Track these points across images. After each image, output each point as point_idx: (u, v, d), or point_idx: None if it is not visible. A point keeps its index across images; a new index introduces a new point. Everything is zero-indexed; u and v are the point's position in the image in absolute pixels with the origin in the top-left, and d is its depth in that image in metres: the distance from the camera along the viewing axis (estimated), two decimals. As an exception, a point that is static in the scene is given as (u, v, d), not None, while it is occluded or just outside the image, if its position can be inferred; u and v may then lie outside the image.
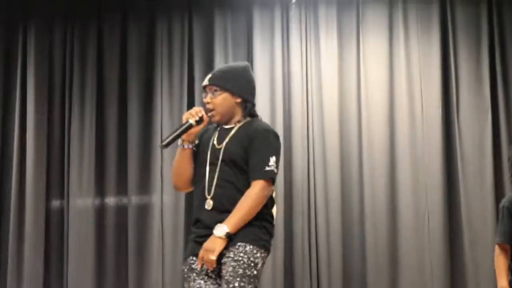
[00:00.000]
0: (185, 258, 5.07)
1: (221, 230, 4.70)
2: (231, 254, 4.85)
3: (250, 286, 4.87)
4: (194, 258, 4.96)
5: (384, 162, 8.22)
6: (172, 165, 5.16)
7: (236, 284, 4.80)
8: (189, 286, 5.01)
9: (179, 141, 4.99)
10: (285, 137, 8.27)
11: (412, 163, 8.16)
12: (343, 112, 8.34)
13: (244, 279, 4.84)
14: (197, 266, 4.95)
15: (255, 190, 4.83)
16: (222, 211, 4.89)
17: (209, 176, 4.97)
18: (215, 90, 5.04)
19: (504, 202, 5.77)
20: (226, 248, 4.84)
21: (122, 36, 8.76)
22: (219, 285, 4.95)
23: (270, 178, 4.86)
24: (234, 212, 4.79)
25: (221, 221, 4.84)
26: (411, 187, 8.14)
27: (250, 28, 8.55)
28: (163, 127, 8.43)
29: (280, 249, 8.15)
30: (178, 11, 8.72)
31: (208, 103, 5.05)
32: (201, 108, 4.99)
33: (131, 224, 8.41)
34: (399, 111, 8.27)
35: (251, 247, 4.88)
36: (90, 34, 8.76)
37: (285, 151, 8.18)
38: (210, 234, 4.86)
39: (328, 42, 8.42)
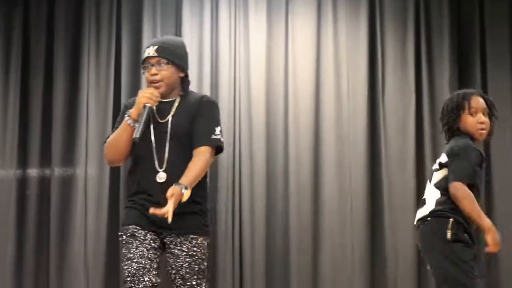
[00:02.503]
0: (126, 225, 4.98)
1: (186, 190, 4.63)
2: (185, 248, 4.89)
3: (204, 279, 4.97)
4: (138, 227, 4.92)
5: (309, 140, 8.07)
6: (108, 139, 5.04)
7: (194, 282, 4.90)
8: (129, 252, 4.90)
9: (126, 117, 4.89)
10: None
11: (337, 142, 8.05)
12: (270, 89, 8.21)
13: (200, 275, 4.93)
14: (140, 235, 4.91)
15: (205, 155, 4.84)
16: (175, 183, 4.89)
17: (157, 150, 4.92)
18: (163, 62, 5.00)
19: (467, 144, 5.50)
20: (177, 235, 4.86)
21: (49, 6, 8.50)
22: (160, 254, 4.94)
23: (216, 146, 4.92)
24: (187, 172, 4.75)
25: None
26: (335, 166, 8.04)
27: (179, 2, 8.34)
28: (89, 98, 8.25)
29: None
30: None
31: (155, 74, 4.97)
32: (154, 90, 4.93)
33: (54, 195, 8.19)
34: (325, 91, 8.14)
35: (201, 239, 4.94)
36: (18, 3, 8.54)
37: None
38: (153, 206, 4.78)
39: (257, 19, 8.24)
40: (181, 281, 4.95)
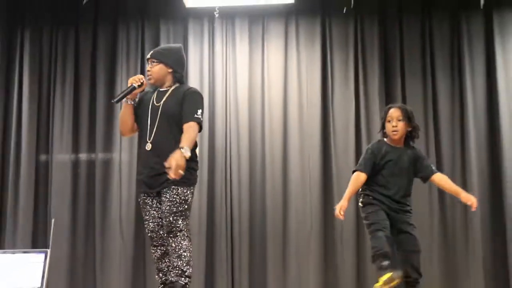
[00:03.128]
0: (139, 194, 5.61)
1: (186, 150, 5.09)
2: (167, 196, 5.35)
3: (181, 218, 5.35)
4: (144, 196, 5.49)
5: (279, 134, 8.63)
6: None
7: (171, 218, 5.34)
8: (145, 215, 5.53)
9: (124, 99, 5.48)
10: (209, 109, 8.64)
11: (300, 135, 8.60)
12: (251, 96, 8.76)
13: (176, 214, 5.33)
14: (149, 201, 5.48)
15: (192, 127, 5.33)
16: (158, 153, 5.34)
17: (150, 126, 5.41)
18: (153, 61, 5.58)
19: (370, 145, 6.31)
20: (165, 187, 5.34)
21: (93, 31, 9.03)
22: (162, 211, 5.42)
23: (198, 123, 5.36)
24: (186, 139, 5.20)
25: (156, 162, 5.33)
26: (299, 152, 8.57)
27: (186, 34, 8.87)
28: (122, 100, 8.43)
29: (204, 195, 8.50)
30: (135, 22, 9.00)
31: (148, 70, 5.59)
32: (142, 76, 5.52)
33: (98, 174, 8.74)
34: (291, 99, 8.69)
35: (182, 188, 5.37)
36: (70, 29, 9.03)
37: (209, 122, 8.62)
38: (146, 171, 5.41)
39: (242, 46, 8.84)
40: (164, 220, 5.41)
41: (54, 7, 9.11)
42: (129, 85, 5.48)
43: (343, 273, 8.26)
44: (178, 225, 5.34)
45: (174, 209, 5.33)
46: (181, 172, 5.03)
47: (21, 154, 8.85)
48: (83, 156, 8.94)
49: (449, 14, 8.72)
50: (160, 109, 5.46)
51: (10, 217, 8.66)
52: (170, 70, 5.58)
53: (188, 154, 5.12)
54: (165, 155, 5.15)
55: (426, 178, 6.22)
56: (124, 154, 8.77)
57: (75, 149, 8.92)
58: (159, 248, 5.51)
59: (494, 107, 8.47)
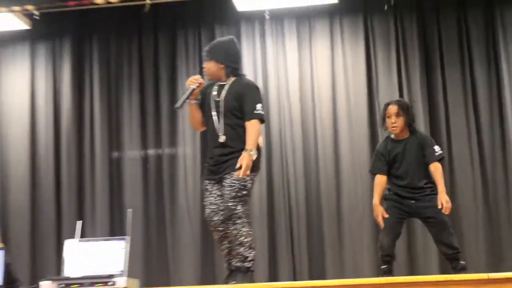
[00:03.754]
0: (203, 181, 5.61)
1: (252, 152, 5.15)
2: (227, 181, 5.31)
3: (241, 203, 5.29)
4: (207, 181, 5.50)
5: (329, 124, 8.63)
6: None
7: (230, 204, 5.29)
8: (205, 201, 5.52)
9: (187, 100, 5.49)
10: (264, 105, 8.38)
11: (349, 126, 8.60)
12: (302, 91, 8.78)
13: (235, 200, 5.27)
14: (209, 187, 5.45)
15: (254, 125, 5.29)
16: (227, 144, 5.36)
17: (217, 120, 5.41)
18: (206, 59, 5.58)
19: (378, 146, 6.35)
20: (226, 173, 5.32)
21: (155, 43, 9.17)
22: (222, 197, 5.41)
23: (259, 118, 5.35)
24: (249, 140, 5.24)
25: (225, 152, 5.36)
26: (349, 143, 8.58)
27: (239, 36, 8.79)
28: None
29: (264, 185, 8.51)
30: (192, 28, 9.09)
31: (204, 67, 5.63)
32: (199, 76, 5.48)
33: (165, 168, 8.90)
34: (338, 93, 8.69)
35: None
36: (133, 41, 9.20)
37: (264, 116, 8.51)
38: (212, 160, 5.44)
39: (291, 45, 8.88)
40: (224, 204, 5.35)
41: (119, 18, 9.24)
42: (187, 87, 5.48)
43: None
44: (237, 212, 5.29)
45: (233, 194, 5.30)
46: (248, 172, 5.15)
47: (95, 152, 9.04)
48: (151, 151, 9.05)
49: (483, 7, 8.71)
50: (221, 103, 5.45)
51: (89, 209, 8.86)
52: (221, 66, 5.52)
53: (255, 156, 5.20)
54: (229, 145, 5.32)
55: (427, 164, 6.06)
56: (188, 148, 8.87)
57: (144, 145, 9.04)
58: (215, 232, 5.47)
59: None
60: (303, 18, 8.92)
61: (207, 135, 5.61)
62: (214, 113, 5.46)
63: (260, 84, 8.70)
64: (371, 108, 8.68)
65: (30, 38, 9.34)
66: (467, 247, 7.81)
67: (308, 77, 8.85)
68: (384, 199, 6.14)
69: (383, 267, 5.97)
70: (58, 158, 9.04)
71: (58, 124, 9.16)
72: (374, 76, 8.72)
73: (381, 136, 8.20)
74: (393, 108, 6.04)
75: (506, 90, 8.45)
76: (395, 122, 6.01)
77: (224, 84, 5.52)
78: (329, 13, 8.85)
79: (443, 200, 5.82)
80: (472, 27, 8.66)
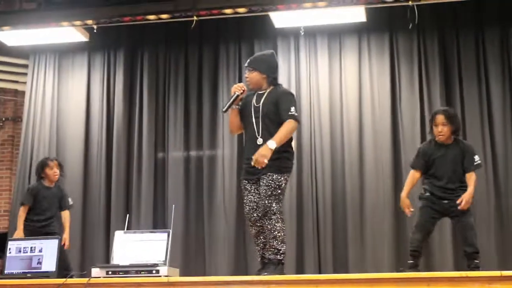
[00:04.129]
0: (241, 179, 5.61)
1: (272, 143, 5.19)
2: (264, 181, 5.35)
3: (275, 201, 5.33)
4: (245, 181, 5.52)
5: (356, 135, 8.56)
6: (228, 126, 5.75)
7: (266, 201, 5.33)
8: (244, 199, 5.55)
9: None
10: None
11: (373, 134, 8.53)
12: (332, 101, 8.73)
13: (271, 198, 5.32)
14: (248, 186, 5.49)
15: (287, 124, 5.33)
16: (261, 146, 5.33)
17: (255, 124, 5.45)
18: (250, 69, 5.61)
19: (421, 145, 6.34)
20: (263, 174, 5.33)
21: (199, 56, 9.17)
22: (259, 196, 5.42)
23: (294, 118, 5.37)
24: (277, 135, 5.27)
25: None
26: (373, 144, 8.50)
27: (275, 51, 8.47)
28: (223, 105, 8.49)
29: (294, 183, 8.39)
30: (233, 43, 9.11)
31: (247, 77, 5.64)
32: (242, 84, 5.58)
33: (205, 168, 8.89)
34: (365, 104, 8.64)
35: (276, 175, 5.35)
36: (180, 55, 9.21)
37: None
38: (251, 161, 5.31)
39: (322, 60, 8.84)
40: (260, 201, 5.37)
41: (167, 33, 9.32)
42: (232, 93, 5.53)
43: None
44: (273, 208, 5.32)
45: (269, 193, 5.33)
46: (265, 161, 5.17)
47: (142, 153, 9.07)
48: (193, 153, 9.07)
49: (499, 28, 8.56)
50: (260, 108, 5.49)
51: (135, 204, 8.91)
52: (264, 76, 5.56)
53: (273, 146, 5.20)
54: (257, 150, 5.32)
55: (465, 171, 6.00)
56: (226, 150, 8.85)
57: (186, 147, 9.06)
58: (253, 227, 5.47)
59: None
60: (334, 35, 8.88)
61: (245, 139, 5.68)
62: (253, 118, 5.50)
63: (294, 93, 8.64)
64: (394, 119, 8.61)
65: (88, 49, 9.44)
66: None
67: (337, 89, 8.82)
68: (419, 198, 6.14)
69: (410, 261, 5.94)
70: (110, 158, 9.08)
71: (110, 127, 9.22)
72: (397, 89, 8.65)
73: (403, 143, 8.47)
74: (440, 118, 5.97)
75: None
76: (441, 131, 5.97)
77: (264, 93, 5.56)
78: (358, 31, 8.78)
79: (466, 197, 5.81)
80: (488, 46, 8.53)
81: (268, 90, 5.58)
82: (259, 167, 5.23)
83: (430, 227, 6.09)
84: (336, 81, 8.84)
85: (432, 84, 8.57)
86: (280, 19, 8.30)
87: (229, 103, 5.56)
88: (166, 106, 9.17)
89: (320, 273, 8.06)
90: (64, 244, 7.06)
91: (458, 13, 8.66)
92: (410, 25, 8.14)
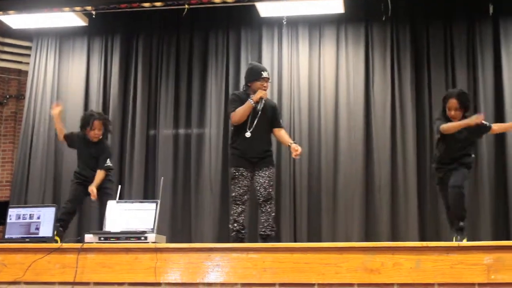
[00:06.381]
0: (237, 167, 5.85)
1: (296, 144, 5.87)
2: (266, 173, 5.82)
3: (273, 189, 5.93)
4: (241, 169, 5.82)
5: (332, 116, 8.53)
6: (237, 111, 5.83)
7: (270, 190, 5.85)
8: (238, 182, 5.80)
9: (250, 100, 5.84)
10: (278, 95, 8.65)
11: (348, 115, 8.46)
12: (310, 85, 8.69)
13: (271, 187, 5.87)
14: (245, 173, 5.80)
15: (284, 130, 6.14)
16: (257, 140, 5.84)
17: (250, 121, 5.88)
18: (269, 81, 6.06)
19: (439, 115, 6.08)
20: (264, 166, 5.83)
21: (190, 41, 9.08)
22: (251, 181, 5.83)
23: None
24: (287, 137, 6.09)
25: (260, 149, 5.85)
26: (347, 128, 8.44)
27: (260, 38, 8.89)
28: (212, 90, 8.79)
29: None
30: (222, 29, 9.03)
31: (266, 86, 6.01)
32: (265, 92, 5.93)
33: (193, 145, 8.81)
34: (341, 88, 8.63)
35: (273, 168, 5.97)
36: (172, 39, 9.13)
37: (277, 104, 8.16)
38: (252, 153, 5.79)
39: (303, 47, 8.80)
40: (263, 190, 5.78)
41: (161, 19, 9.25)
42: (258, 96, 5.89)
43: (380, 220, 8.22)
44: (272, 194, 5.83)
45: (271, 183, 5.83)
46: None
47: (135, 130, 9.02)
48: (182, 131, 9.02)
49: (466, 21, 8.57)
50: (261, 111, 5.96)
51: (127, 177, 8.87)
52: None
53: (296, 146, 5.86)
54: (263, 144, 5.92)
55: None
56: (213, 129, 8.80)
57: (176, 125, 9.02)
58: (240, 206, 5.78)
59: (500, 95, 8.29)
60: (314, 24, 8.85)
61: (244, 134, 5.90)
62: (256, 120, 5.89)
63: (275, 78, 8.75)
64: (367, 102, 8.61)
65: (87, 34, 9.38)
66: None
67: (316, 74, 8.79)
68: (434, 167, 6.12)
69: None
70: (105, 134, 8.82)
71: (106, 106, 9.13)
72: (371, 75, 8.64)
73: (375, 124, 8.50)
74: (454, 102, 5.81)
75: (481, 90, 8.34)
76: (454, 116, 5.82)
77: (262, 99, 5.95)
78: (336, 21, 8.77)
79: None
80: (455, 37, 8.54)
81: (264, 100, 6.00)
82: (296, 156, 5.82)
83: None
84: (315, 67, 8.81)
85: (403, 70, 8.56)
86: (265, 8, 8.27)
87: (258, 104, 5.91)
88: (158, 88, 9.11)
89: (295, 241, 8.07)
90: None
91: (429, 6, 8.65)
92: (384, 17, 8.23)
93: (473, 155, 6.04)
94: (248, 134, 5.80)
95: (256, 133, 5.83)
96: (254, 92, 5.96)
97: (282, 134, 6.10)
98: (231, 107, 5.98)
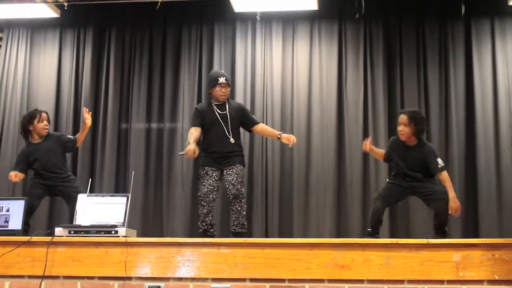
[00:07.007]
0: (203, 166, 5.87)
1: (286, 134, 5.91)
2: (234, 170, 5.80)
3: (243, 187, 5.87)
4: (207, 168, 5.84)
5: (305, 112, 8.53)
6: (188, 137, 5.86)
7: (239, 186, 5.80)
8: (204, 181, 5.81)
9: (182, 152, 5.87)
10: (251, 90, 8.66)
11: (320, 112, 8.50)
12: (284, 80, 8.68)
13: (241, 183, 5.83)
14: (210, 172, 5.81)
15: (264, 124, 6.26)
16: (235, 144, 5.90)
17: (225, 126, 5.91)
18: (228, 85, 6.03)
19: (392, 138, 6.09)
20: (231, 165, 5.80)
21: (163, 36, 8.99)
22: (219, 181, 5.86)
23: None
24: (271, 129, 6.32)
25: (233, 150, 5.85)
26: (319, 124, 8.48)
27: (234, 34, 8.85)
28: (184, 85, 8.73)
29: (246, 159, 7.91)
30: (195, 24, 8.94)
31: (225, 92, 5.98)
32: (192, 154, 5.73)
33: (165, 139, 8.75)
34: (314, 84, 8.63)
35: (241, 166, 5.89)
36: (145, 34, 9.02)
37: (250, 100, 8.60)
38: (220, 154, 5.81)
39: (277, 43, 8.79)
40: (232, 186, 5.77)
41: (134, 13, 9.16)
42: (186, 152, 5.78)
43: (351, 217, 8.24)
44: (242, 192, 5.75)
45: (240, 180, 5.77)
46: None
47: (107, 123, 8.93)
48: (154, 125, 8.95)
49: (438, 20, 8.60)
50: (228, 115, 5.95)
51: (99, 170, 8.78)
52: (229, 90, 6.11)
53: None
54: (227, 146, 5.85)
55: (432, 176, 5.80)
56: (185, 124, 8.65)
57: (148, 119, 8.94)
58: (205, 207, 5.75)
59: (470, 94, 8.36)
60: (288, 21, 8.80)
61: (209, 136, 5.98)
62: (222, 123, 5.91)
63: (248, 74, 8.73)
64: (340, 98, 8.60)
65: (60, 26, 9.22)
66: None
67: (289, 70, 8.77)
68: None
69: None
70: (77, 127, 8.69)
71: (78, 98, 9.02)
72: (344, 72, 8.63)
73: (347, 121, 8.50)
74: (403, 118, 5.77)
75: (452, 88, 8.39)
76: (402, 131, 5.76)
77: (224, 103, 5.96)
78: (310, 18, 8.73)
79: (452, 205, 5.56)
80: (427, 35, 8.57)
81: (227, 101, 6.02)
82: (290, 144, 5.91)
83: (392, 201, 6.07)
84: (288, 63, 8.78)
85: (375, 68, 8.57)
86: (239, 4, 8.15)
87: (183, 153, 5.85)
88: (131, 81, 9.01)
89: (266, 237, 8.04)
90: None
91: (401, 5, 8.67)
92: (357, 14, 8.12)
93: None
94: (232, 141, 5.87)
95: (220, 133, 5.84)
96: (216, 99, 5.99)
97: (263, 128, 6.19)
98: (191, 122, 6.13)
